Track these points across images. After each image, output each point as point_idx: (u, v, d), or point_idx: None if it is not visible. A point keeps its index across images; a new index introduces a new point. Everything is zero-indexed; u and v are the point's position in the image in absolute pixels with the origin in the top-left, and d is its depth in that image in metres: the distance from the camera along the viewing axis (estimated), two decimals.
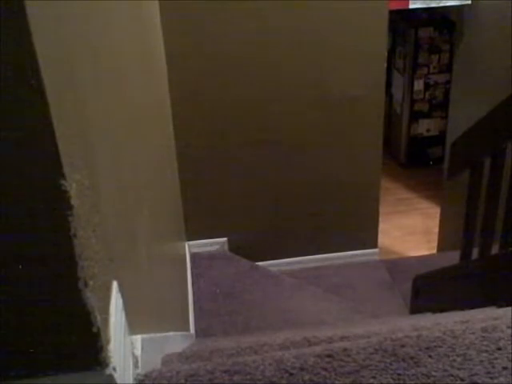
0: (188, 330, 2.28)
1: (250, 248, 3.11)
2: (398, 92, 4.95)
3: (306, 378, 0.85)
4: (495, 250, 2.10)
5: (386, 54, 2.89)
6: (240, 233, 3.13)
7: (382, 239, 3.43)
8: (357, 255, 3.32)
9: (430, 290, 2.60)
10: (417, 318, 2.22)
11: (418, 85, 4.80)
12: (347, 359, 0.87)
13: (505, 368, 0.87)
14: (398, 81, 4.90)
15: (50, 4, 0.58)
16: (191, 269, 2.92)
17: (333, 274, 3.21)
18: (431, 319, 1.74)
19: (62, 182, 0.54)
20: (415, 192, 4.39)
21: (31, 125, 0.52)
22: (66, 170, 0.55)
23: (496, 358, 0.89)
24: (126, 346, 0.75)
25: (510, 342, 0.91)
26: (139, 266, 1.12)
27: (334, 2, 2.66)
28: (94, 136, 0.76)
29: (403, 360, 0.87)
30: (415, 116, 4.92)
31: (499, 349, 0.90)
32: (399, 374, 0.86)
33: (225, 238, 3.14)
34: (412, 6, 3.76)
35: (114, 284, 0.74)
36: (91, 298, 0.60)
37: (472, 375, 0.87)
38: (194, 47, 2.65)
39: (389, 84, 4.77)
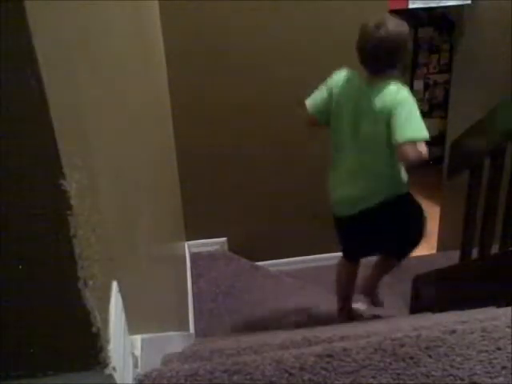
0: (188, 329, 2.28)
1: (249, 248, 3.11)
2: None
3: (306, 377, 0.85)
4: (495, 249, 2.10)
5: None
6: (240, 233, 3.13)
7: None
8: None
9: (430, 289, 2.60)
10: (417, 317, 2.22)
11: (418, 85, 4.80)
12: (347, 359, 0.87)
13: (504, 368, 0.88)
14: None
15: (49, 4, 0.58)
16: (191, 269, 2.92)
17: (333, 273, 3.21)
18: (431, 319, 1.74)
19: (62, 181, 0.54)
20: (415, 192, 4.38)
21: (31, 125, 0.52)
22: (66, 169, 0.55)
23: (495, 358, 0.89)
24: (125, 346, 0.75)
25: (509, 342, 0.91)
26: (139, 266, 1.12)
27: (334, 3, 2.66)
28: (93, 136, 0.76)
29: (403, 360, 0.87)
30: None
31: (499, 349, 0.90)
32: (399, 374, 0.86)
33: (224, 238, 3.14)
34: (412, 5, 3.75)
35: (114, 284, 0.74)
36: (91, 298, 0.60)
37: (471, 375, 0.87)
38: (193, 47, 2.65)
39: None
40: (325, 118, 2.13)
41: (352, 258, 2.44)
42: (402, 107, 1.87)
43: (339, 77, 2.12)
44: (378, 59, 1.96)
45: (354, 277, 2.49)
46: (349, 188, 2.17)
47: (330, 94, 2.11)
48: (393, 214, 2.15)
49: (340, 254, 2.71)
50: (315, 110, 2.14)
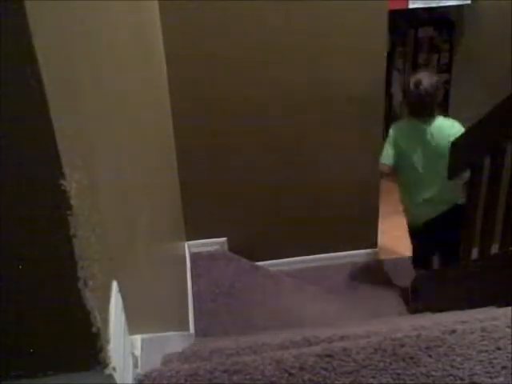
0: (188, 329, 2.28)
1: (249, 248, 3.11)
2: (397, 92, 4.94)
3: (306, 377, 0.85)
4: (495, 249, 2.10)
5: (386, 53, 2.89)
6: (240, 233, 3.13)
7: (382, 239, 3.42)
8: (357, 255, 3.31)
9: (430, 290, 2.60)
10: (417, 317, 2.22)
11: None
12: (347, 359, 0.87)
13: (504, 367, 0.88)
14: (398, 81, 4.89)
15: (49, 4, 0.58)
16: (191, 269, 2.92)
17: (333, 273, 3.21)
18: (431, 319, 1.74)
19: (62, 181, 0.54)
20: None
21: (31, 125, 0.52)
22: (66, 169, 0.55)
23: (495, 358, 0.89)
24: (125, 346, 0.75)
25: (509, 342, 0.91)
26: (139, 266, 1.12)
27: (333, 2, 2.66)
28: (93, 136, 0.76)
29: (403, 360, 0.87)
30: None
31: (499, 348, 0.90)
32: (399, 374, 0.86)
33: (224, 238, 3.14)
34: (412, 5, 3.75)
35: (114, 284, 0.74)
36: (91, 297, 0.60)
37: (471, 375, 0.87)
38: (194, 47, 2.65)
39: (388, 84, 4.77)
40: (398, 164, 2.82)
41: (424, 265, 2.98)
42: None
43: (396, 131, 2.82)
44: (425, 108, 2.70)
45: None
46: (429, 196, 2.77)
47: (397, 146, 2.78)
48: (453, 220, 2.61)
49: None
50: (394, 163, 2.80)
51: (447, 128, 2.67)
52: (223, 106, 2.80)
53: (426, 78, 2.68)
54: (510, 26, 3.21)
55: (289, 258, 3.25)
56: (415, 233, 2.96)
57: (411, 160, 2.76)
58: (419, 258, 3.02)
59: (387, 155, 2.81)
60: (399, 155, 2.78)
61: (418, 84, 2.65)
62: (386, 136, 2.87)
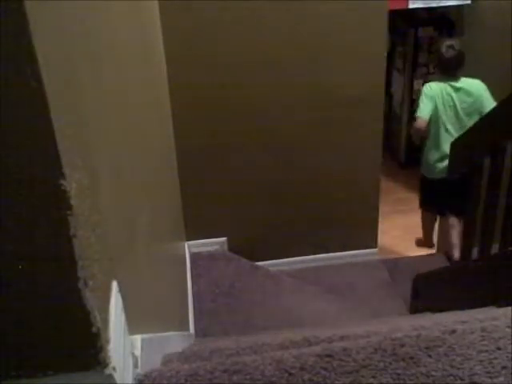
0: (188, 329, 2.28)
1: (249, 248, 3.11)
2: (397, 92, 4.94)
3: (306, 377, 0.85)
4: (495, 249, 2.10)
5: (386, 53, 2.89)
6: (240, 233, 3.13)
7: (382, 239, 3.43)
8: (357, 255, 3.31)
9: (430, 289, 2.60)
10: (417, 317, 2.22)
11: (418, 84, 4.79)
12: (347, 359, 0.87)
13: (504, 367, 0.88)
14: (398, 81, 4.89)
15: (49, 4, 0.58)
16: (191, 269, 2.92)
17: (333, 273, 3.21)
18: (431, 319, 1.74)
19: (62, 181, 0.54)
20: (415, 192, 4.36)
21: (31, 125, 0.52)
22: (66, 169, 0.55)
23: (495, 358, 0.89)
24: (125, 346, 0.75)
25: (509, 342, 0.91)
26: (139, 266, 1.12)
27: (333, 2, 2.66)
28: (93, 136, 0.76)
29: (403, 360, 0.87)
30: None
31: (499, 348, 0.90)
32: (399, 374, 0.86)
33: (224, 238, 3.14)
34: (411, 5, 3.76)
35: (114, 284, 0.74)
36: (91, 297, 0.60)
37: (471, 375, 0.87)
38: (194, 47, 2.65)
39: (388, 84, 4.76)
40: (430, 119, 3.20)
41: (433, 210, 3.57)
42: (487, 93, 3.05)
43: (432, 89, 3.20)
44: (456, 68, 3.16)
45: (433, 223, 3.76)
46: None
47: (434, 103, 3.17)
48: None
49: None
50: (428, 119, 3.18)
51: (475, 86, 3.11)
52: (223, 106, 2.80)
53: (456, 43, 3.23)
54: (510, 26, 3.21)
55: (289, 258, 3.25)
56: (429, 185, 3.43)
57: (443, 117, 3.15)
58: (428, 204, 3.53)
59: (425, 110, 3.16)
60: (433, 111, 3.15)
61: (450, 47, 3.17)
62: (386, 135, 2.88)
